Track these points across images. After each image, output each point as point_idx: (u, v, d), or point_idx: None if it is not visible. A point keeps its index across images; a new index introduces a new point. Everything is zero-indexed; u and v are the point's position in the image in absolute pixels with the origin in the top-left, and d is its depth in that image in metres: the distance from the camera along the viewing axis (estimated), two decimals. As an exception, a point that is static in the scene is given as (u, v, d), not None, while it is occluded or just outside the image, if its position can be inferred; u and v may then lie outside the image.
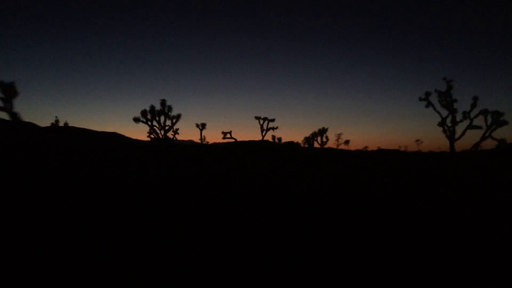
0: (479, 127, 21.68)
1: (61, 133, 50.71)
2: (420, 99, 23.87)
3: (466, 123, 21.90)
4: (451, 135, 22.46)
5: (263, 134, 43.51)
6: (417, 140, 68.07)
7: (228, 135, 42.52)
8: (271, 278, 4.97)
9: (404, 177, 24.32)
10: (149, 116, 32.13)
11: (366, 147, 74.79)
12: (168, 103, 33.67)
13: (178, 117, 35.29)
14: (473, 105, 22.77)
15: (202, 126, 45.03)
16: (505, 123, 21.18)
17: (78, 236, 6.80)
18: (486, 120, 21.40)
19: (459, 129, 22.27)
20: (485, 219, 9.38)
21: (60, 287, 4.51)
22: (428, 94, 24.00)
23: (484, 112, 21.66)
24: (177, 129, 42.28)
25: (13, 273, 4.86)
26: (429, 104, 23.74)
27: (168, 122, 34.73)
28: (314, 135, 47.06)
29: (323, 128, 45.10)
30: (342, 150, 63.86)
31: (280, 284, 4.79)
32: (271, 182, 18.78)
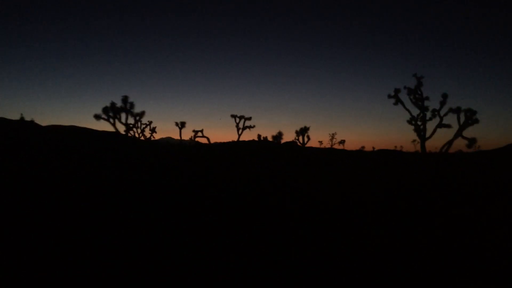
0: (448, 126, 21.19)
1: (59, 132, 50.68)
2: (389, 96, 23.16)
3: (436, 121, 21.53)
4: (422, 134, 22.02)
5: (239, 133, 42.65)
6: (414, 141, 67.39)
7: (199, 133, 41.98)
8: (271, 278, 4.96)
9: (404, 177, 24.30)
10: (111, 113, 31.23)
11: (363, 147, 74.46)
12: (131, 99, 32.95)
13: (141, 114, 34.48)
14: (443, 103, 22.13)
15: (182, 125, 44.62)
16: (476, 121, 20.73)
17: (78, 236, 6.79)
18: (459, 119, 20.88)
19: (430, 127, 21.88)
20: (485, 219, 9.37)
21: (60, 287, 4.51)
22: (397, 91, 23.37)
23: (457, 110, 21.15)
24: (154, 128, 42.29)
25: (13, 273, 4.85)
26: (398, 102, 23.10)
27: (131, 120, 33.88)
28: (280, 134, 46.60)
29: (305, 127, 44.33)
30: (341, 150, 63.87)
31: (280, 284, 4.78)
32: (271, 181, 18.77)
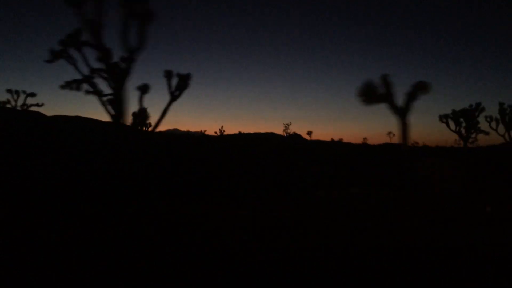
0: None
1: (66, 123, 50.73)
2: (51, 52, 12.12)
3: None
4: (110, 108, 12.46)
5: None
6: (389, 133, 64.19)
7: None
8: (271, 275, 4.93)
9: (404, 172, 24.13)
10: None
11: (341, 139, 71.41)
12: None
13: None
14: (126, 60, 11.84)
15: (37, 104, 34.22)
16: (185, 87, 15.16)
17: (75, 234, 6.80)
18: (169, 85, 14.72)
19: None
20: (484, 220, 9.27)
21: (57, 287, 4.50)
22: (65, 43, 11.83)
23: (169, 74, 14.90)
24: None
25: (13, 273, 4.86)
26: (61, 57, 11.86)
27: None
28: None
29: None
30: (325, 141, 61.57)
31: (279, 281, 4.75)
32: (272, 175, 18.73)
